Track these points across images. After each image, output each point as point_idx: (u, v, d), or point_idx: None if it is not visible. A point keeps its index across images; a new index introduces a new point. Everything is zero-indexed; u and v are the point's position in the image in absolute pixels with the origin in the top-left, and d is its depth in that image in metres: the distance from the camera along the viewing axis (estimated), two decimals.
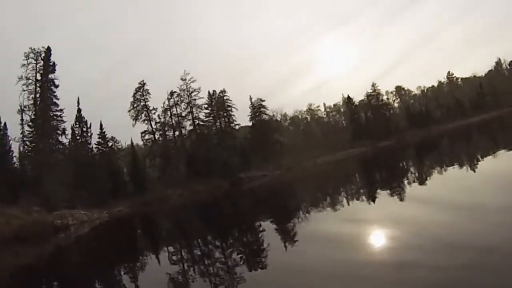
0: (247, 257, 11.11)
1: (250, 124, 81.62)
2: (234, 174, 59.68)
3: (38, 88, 49.67)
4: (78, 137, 54.95)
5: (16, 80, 49.00)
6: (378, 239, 9.69)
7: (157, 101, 75.43)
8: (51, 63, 50.75)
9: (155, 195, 51.31)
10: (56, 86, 51.30)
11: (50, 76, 50.75)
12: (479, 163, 19.64)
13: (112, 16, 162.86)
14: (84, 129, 55.37)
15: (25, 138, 49.09)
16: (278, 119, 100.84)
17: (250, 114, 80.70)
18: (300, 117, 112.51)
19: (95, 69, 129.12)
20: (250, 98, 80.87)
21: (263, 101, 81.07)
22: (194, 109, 71.69)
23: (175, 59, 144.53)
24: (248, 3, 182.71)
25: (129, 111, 68.72)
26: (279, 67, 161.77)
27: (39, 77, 49.97)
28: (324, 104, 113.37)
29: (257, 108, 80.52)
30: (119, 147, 66.38)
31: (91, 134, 56.32)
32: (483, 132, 46.54)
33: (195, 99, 71.98)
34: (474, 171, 17.40)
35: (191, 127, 71.27)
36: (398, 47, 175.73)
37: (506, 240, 6.64)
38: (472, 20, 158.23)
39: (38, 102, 49.60)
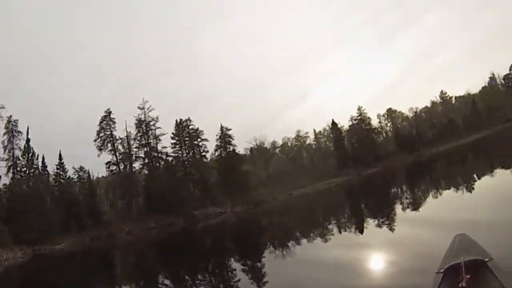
0: None
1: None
2: (189, 211, 58.53)
3: None
4: (24, 168, 55.71)
5: None
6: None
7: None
8: None
9: (103, 231, 51.32)
10: None
11: None
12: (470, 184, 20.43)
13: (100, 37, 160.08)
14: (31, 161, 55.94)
15: None
16: (267, 147, 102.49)
17: (216, 144, 79.63)
18: (289, 144, 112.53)
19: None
20: (221, 127, 79.83)
21: (229, 130, 79.89)
22: (151, 140, 71.11)
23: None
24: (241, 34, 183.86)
25: (94, 140, 67.69)
26: (275, 95, 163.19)
27: None
28: (314, 130, 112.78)
29: (223, 138, 79.69)
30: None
31: (37, 165, 57.08)
32: (477, 154, 47.18)
33: (153, 129, 71.26)
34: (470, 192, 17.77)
35: (147, 160, 70.34)
36: (392, 70, 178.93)
37: None
38: (465, 39, 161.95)
39: None
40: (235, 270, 14.05)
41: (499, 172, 21.37)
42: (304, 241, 17.11)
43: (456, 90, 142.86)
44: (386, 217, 17.11)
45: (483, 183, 19.59)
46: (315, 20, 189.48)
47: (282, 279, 11.01)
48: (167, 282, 15.17)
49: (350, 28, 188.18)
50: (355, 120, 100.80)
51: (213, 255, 20.32)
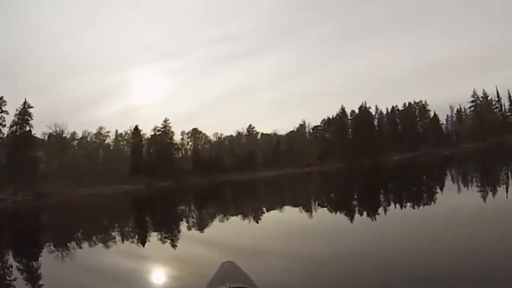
0: None
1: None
2: None
3: None
4: None
5: None
6: None
7: None
8: None
9: None
10: None
11: None
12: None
13: None
14: None
15: None
16: (67, 137, 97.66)
17: (13, 120, 74.11)
18: (88, 139, 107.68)
19: None
20: (25, 102, 74.58)
21: (31, 107, 75.12)
22: None
23: None
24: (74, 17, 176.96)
25: None
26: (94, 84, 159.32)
27: None
28: (116, 131, 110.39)
29: (22, 115, 74.15)
30: None
31: None
32: (271, 189, 49.48)
33: None
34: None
35: None
36: (213, 94, 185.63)
37: None
38: (289, 85, 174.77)
39: None
40: (11, 267, 12.70)
41: (287, 209, 22.92)
42: (85, 244, 16.24)
43: (264, 128, 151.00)
44: (170, 233, 17.09)
45: (268, 216, 20.67)
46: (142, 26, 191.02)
47: (58, 284, 10.21)
48: None
49: (180, 45, 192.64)
50: (158, 131, 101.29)
51: None
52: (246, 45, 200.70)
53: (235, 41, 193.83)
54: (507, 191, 17.32)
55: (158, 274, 10.04)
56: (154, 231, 18.74)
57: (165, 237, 16.02)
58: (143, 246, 14.93)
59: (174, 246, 14.03)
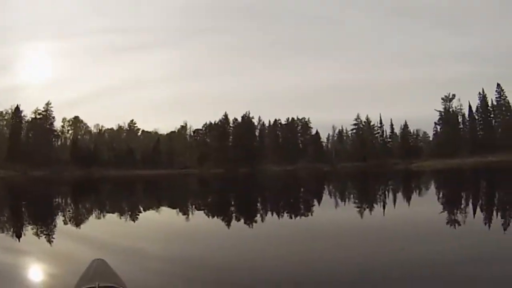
0: None
1: None
2: None
3: None
4: None
5: None
6: None
7: None
8: None
9: None
10: None
11: None
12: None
13: None
14: None
15: None
16: None
17: None
18: None
19: None
20: None
21: None
22: None
23: None
24: None
25: None
26: None
27: None
28: None
29: None
30: None
31: None
32: (149, 187, 50.95)
33: None
34: None
35: None
36: (101, 84, 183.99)
37: None
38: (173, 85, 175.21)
39: None
40: None
41: (164, 210, 24.14)
42: None
43: (146, 125, 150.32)
44: (46, 227, 17.01)
45: (145, 215, 21.29)
46: None
47: None
48: None
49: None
50: (39, 114, 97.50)
51: None
52: (140, 40, 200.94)
53: (129, 34, 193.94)
54: (383, 208, 19.45)
55: (32, 270, 9.99)
56: (30, 224, 18.48)
57: (41, 231, 15.94)
58: (19, 239, 14.87)
59: (49, 241, 14.01)
